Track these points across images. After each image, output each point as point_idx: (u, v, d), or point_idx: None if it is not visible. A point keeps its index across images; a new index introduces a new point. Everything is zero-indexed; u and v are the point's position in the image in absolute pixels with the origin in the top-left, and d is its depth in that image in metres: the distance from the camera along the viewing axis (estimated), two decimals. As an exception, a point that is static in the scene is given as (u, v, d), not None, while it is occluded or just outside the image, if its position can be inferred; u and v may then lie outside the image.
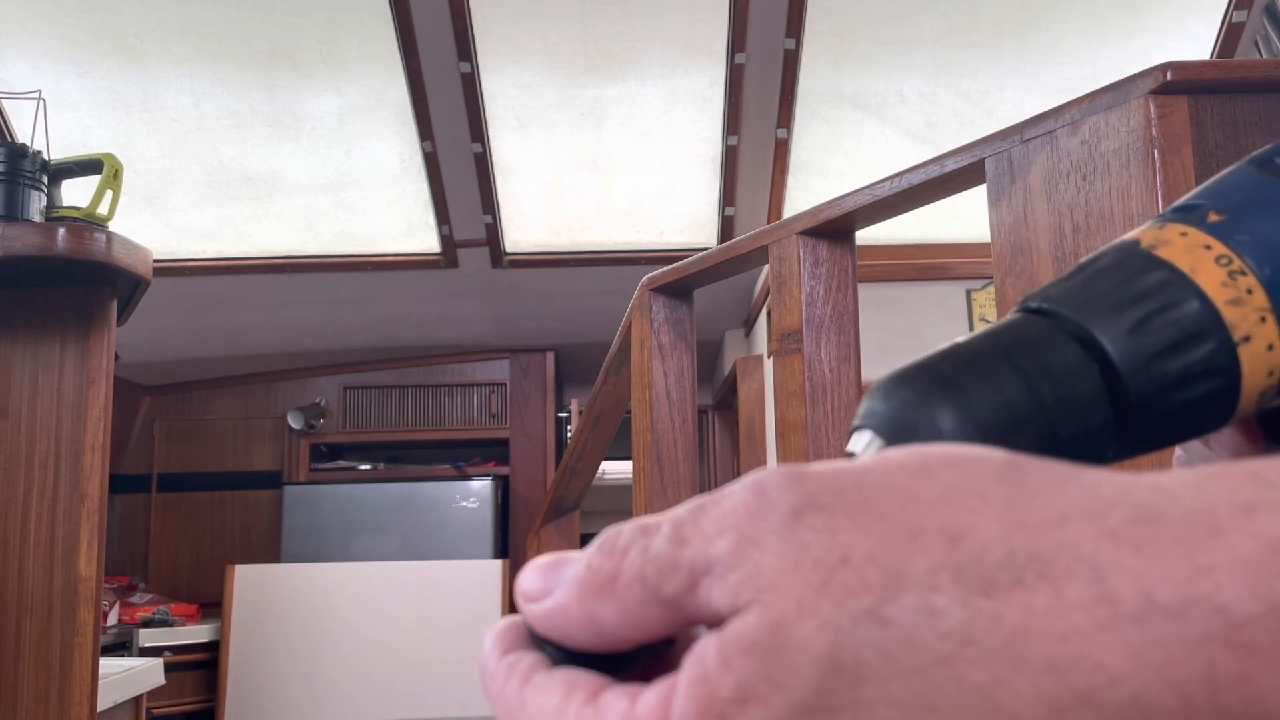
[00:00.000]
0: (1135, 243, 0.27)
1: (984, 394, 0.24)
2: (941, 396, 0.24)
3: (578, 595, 0.20)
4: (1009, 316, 0.27)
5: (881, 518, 0.18)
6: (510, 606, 3.95)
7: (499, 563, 4.00)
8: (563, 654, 0.21)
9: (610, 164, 3.35)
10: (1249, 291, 0.25)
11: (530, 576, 0.22)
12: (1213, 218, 0.27)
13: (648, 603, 0.19)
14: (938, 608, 0.17)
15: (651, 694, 0.19)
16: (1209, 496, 0.17)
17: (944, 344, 0.26)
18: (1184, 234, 0.26)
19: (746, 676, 0.18)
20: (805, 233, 1.24)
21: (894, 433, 0.24)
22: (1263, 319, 0.25)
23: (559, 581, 0.21)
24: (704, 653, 0.18)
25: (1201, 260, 0.26)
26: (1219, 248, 0.26)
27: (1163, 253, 0.26)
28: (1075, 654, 0.17)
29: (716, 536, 0.19)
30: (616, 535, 0.20)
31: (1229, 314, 0.25)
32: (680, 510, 0.20)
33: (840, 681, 0.17)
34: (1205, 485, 0.18)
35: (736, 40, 2.89)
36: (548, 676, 0.21)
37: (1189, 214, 0.27)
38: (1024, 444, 0.24)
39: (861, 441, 0.25)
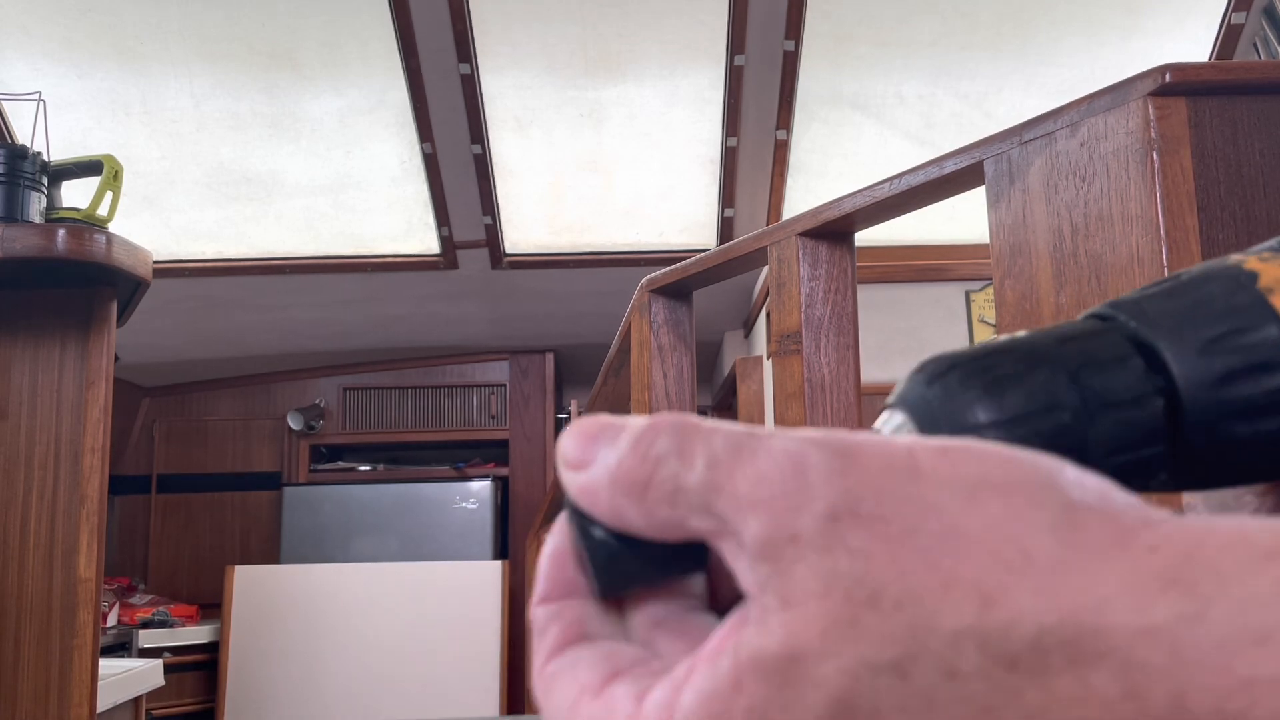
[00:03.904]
0: (1243, 271, 0.25)
1: (1027, 394, 0.23)
2: (983, 389, 0.23)
3: (608, 487, 0.20)
4: (1074, 320, 0.25)
5: (916, 554, 0.17)
6: (510, 608, 3.95)
7: (498, 564, 4.00)
8: (605, 530, 0.21)
9: (610, 165, 3.35)
10: None
11: (570, 443, 0.21)
12: None
13: (672, 524, 0.20)
14: (959, 672, 0.17)
15: (658, 695, 0.19)
16: (1261, 589, 0.16)
17: (1001, 337, 0.24)
18: None
19: (758, 702, 0.18)
20: (804, 234, 1.25)
21: (927, 420, 0.23)
22: None
23: (595, 457, 0.21)
24: (717, 663, 0.18)
25: None
26: None
27: (1277, 301, 0.24)
28: None
29: (750, 509, 0.18)
30: (653, 435, 0.20)
31: None
32: (718, 442, 0.19)
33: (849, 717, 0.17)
34: (1261, 569, 0.16)
35: (736, 42, 2.90)
36: (566, 664, 0.21)
37: None
38: (1063, 453, 0.22)
39: (892, 423, 0.24)
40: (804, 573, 0.18)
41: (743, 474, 0.19)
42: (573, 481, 0.21)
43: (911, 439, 0.19)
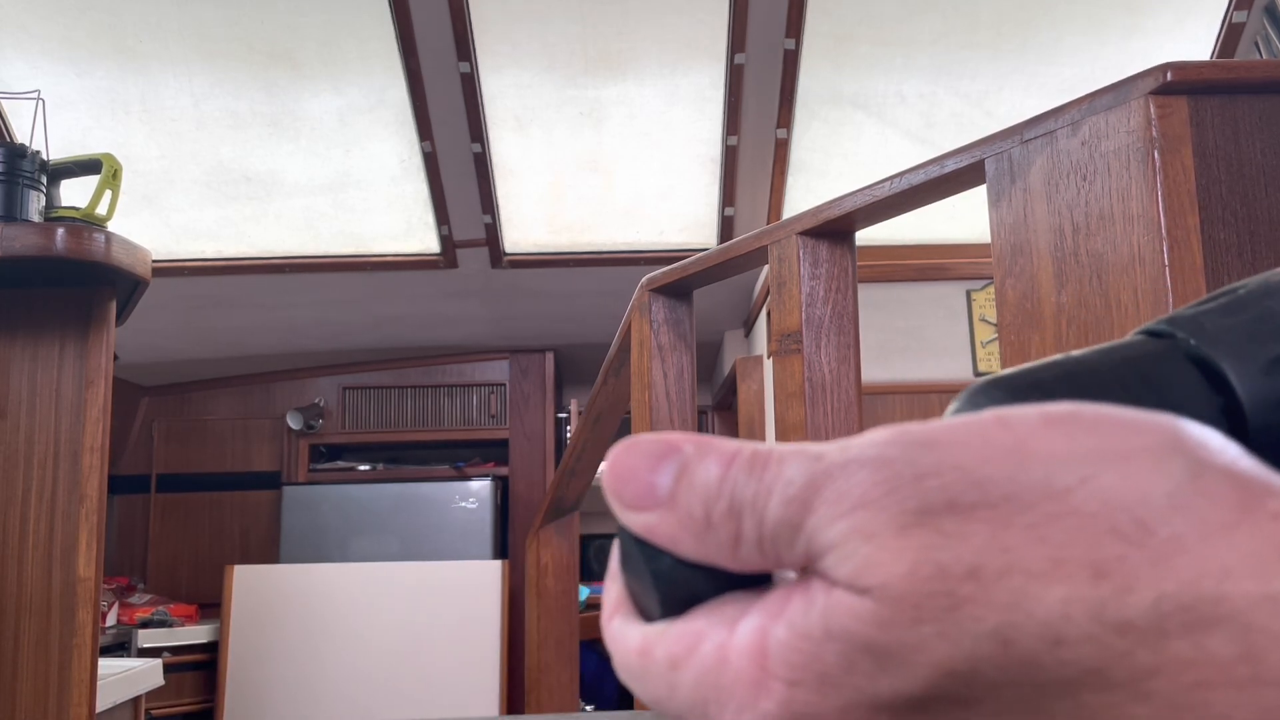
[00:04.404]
0: None
1: None
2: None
3: (689, 539, 0.20)
4: (1134, 335, 0.24)
5: (1025, 532, 0.17)
6: (509, 608, 3.95)
7: (498, 563, 4.00)
8: (673, 559, 0.20)
9: (610, 164, 3.35)
10: None
11: (625, 481, 0.20)
12: None
13: (759, 561, 0.19)
14: (1067, 638, 0.17)
15: (752, 621, 0.19)
16: None
17: (1055, 355, 0.23)
18: None
19: (852, 654, 0.18)
20: (805, 233, 1.24)
21: None
22: None
23: (659, 497, 0.20)
24: (807, 615, 0.18)
25: None
26: None
27: None
28: (1202, 702, 0.16)
29: (832, 521, 0.18)
30: (730, 484, 0.19)
31: None
32: (794, 471, 0.19)
33: (951, 682, 0.17)
34: None
35: (736, 40, 2.89)
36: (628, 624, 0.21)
37: None
38: None
39: None
40: (891, 560, 0.17)
41: (822, 495, 0.18)
42: (636, 522, 0.20)
43: (1006, 410, 0.19)
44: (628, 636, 0.21)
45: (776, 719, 0.18)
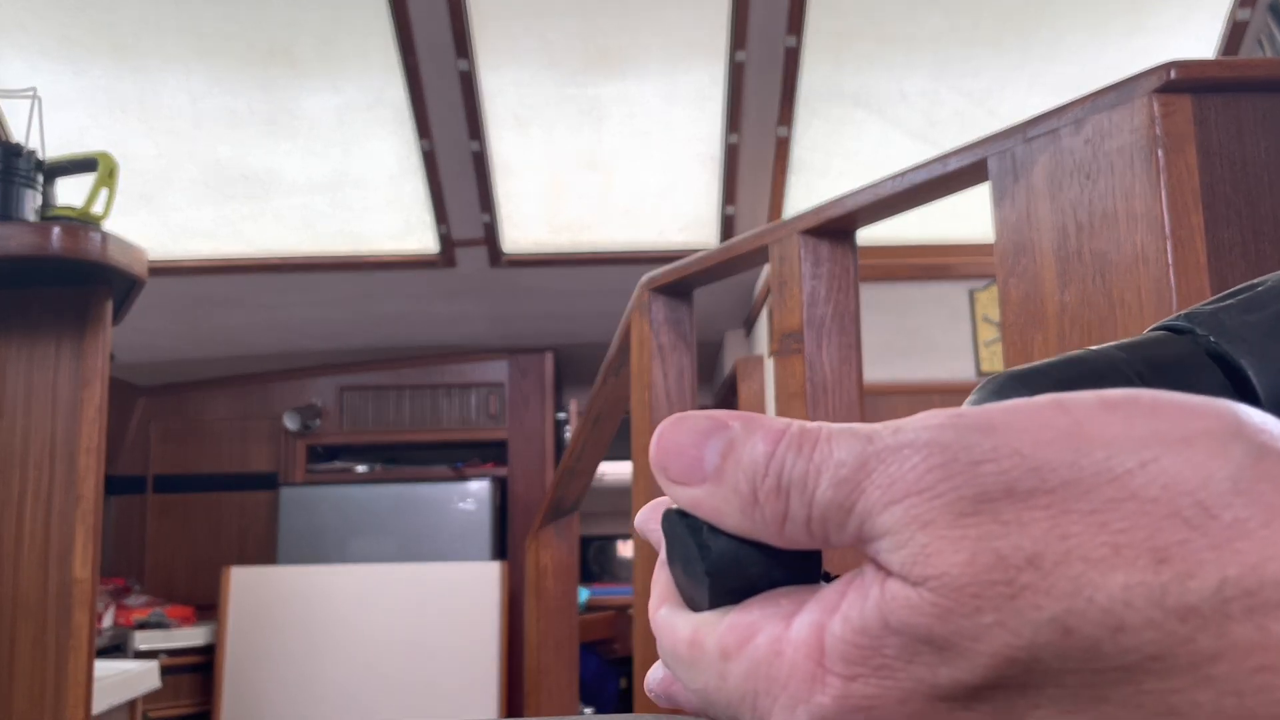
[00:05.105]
0: None
1: None
2: None
3: (736, 514, 0.20)
4: (1151, 331, 0.24)
5: (1085, 519, 0.17)
6: (508, 610, 3.94)
7: (497, 564, 3.99)
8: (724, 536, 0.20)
9: (610, 162, 3.34)
10: None
11: (672, 456, 0.20)
12: None
13: (807, 540, 0.19)
14: (1128, 625, 0.16)
15: (809, 615, 0.19)
16: None
17: (1080, 350, 0.23)
18: None
19: (912, 646, 0.18)
20: (806, 232, 1.24)
21: None
22: None
23: (705, 472, 0.20)
24: (866, 610, 0.18)
25: None
26: None
27: None
28: (1265, 685, 0.16)
29: (886, 507, 0.18)
30: (780, 461, 0.19)
31: None
32: (844, 452, 0.19)
33: (1012, 670, 0.17)
34: None
35: (737, 38, 2.89)
36: (677, 613, 0.21)
37: None
38: None
39: None
40: (948, 549, 0.17)
41: (874, 480, 0.18)
42: (682, 496, 0.20)
43: (1064, 395, 0.18)
44: (677, 626, 0.21)
45: (831, 712, 0.18)
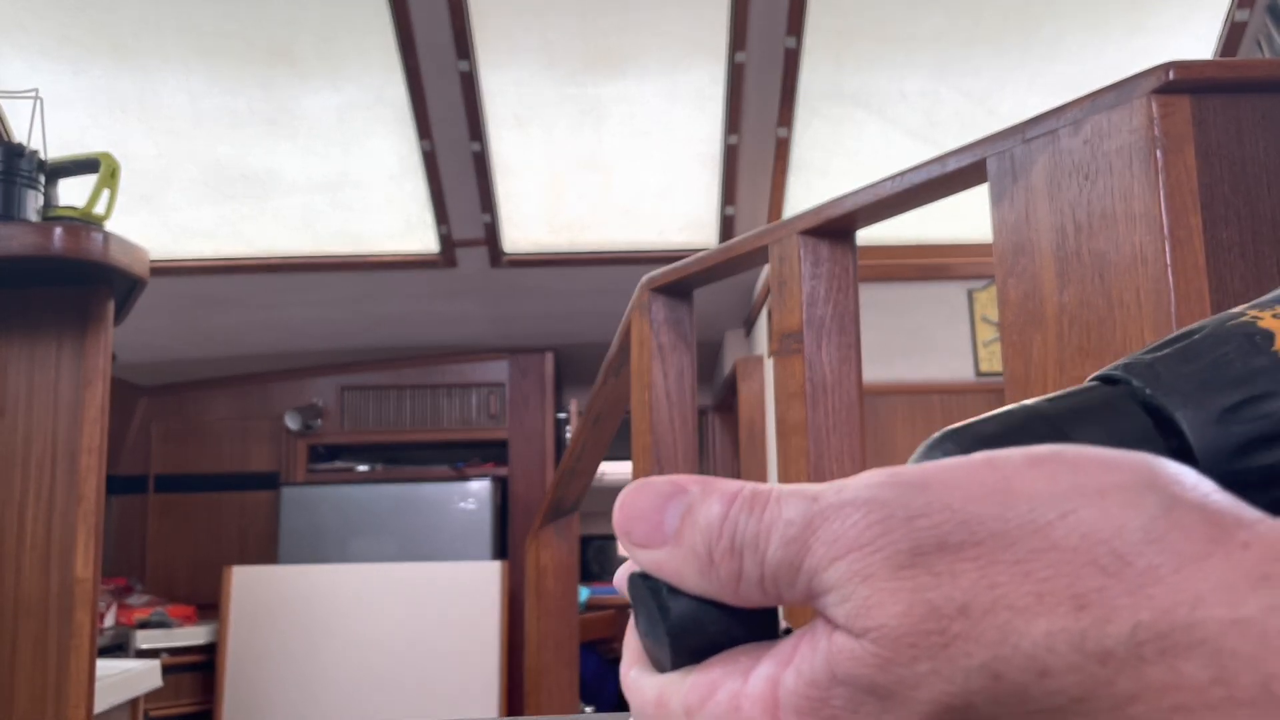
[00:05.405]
0: (1258, 330, 0.24)
1: None
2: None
3: (694, 574, 0.21)
4: (1089, 381, 0.24)
5: (1011, 569, 0.18)
6: (509, 609, 3.94)
7: (497, 564, 3.99)
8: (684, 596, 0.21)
9: (610, 163, 3.34)
10: None
11: (634, 521, 0.22)
12: None
13: (761, 598, 0.20)
14: (1052, 669, 0.17)
15: (765, 669, 0.20)
16: None
17: (1012, 405, 0.24)
18: None
19: (857, 696, 0.19)
20: (806, 232, 1.24)
21: None
22: None
23: (666, 535, 0.21)
24: (815, 662, 0.19)
25: None
26: None
27: None
28: None
29: (830, 563, 0.19)
30: (724, 523, 0.20)
31: None
32: (792, 511, 0.20)
33: (950, 715, 0.18)
34: None
35: (737, 38, 2.89)
36: (645, 677, 0.22)
37: None
38: None
39: None
40: (888, 601, 0.18)
41: (819, 537, 0.19)
42: (645, 559, 0.21)
43: (993, 453, 0.19)
44: (644, 687, 0.22)
45: None
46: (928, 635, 0.18)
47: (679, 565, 0.21)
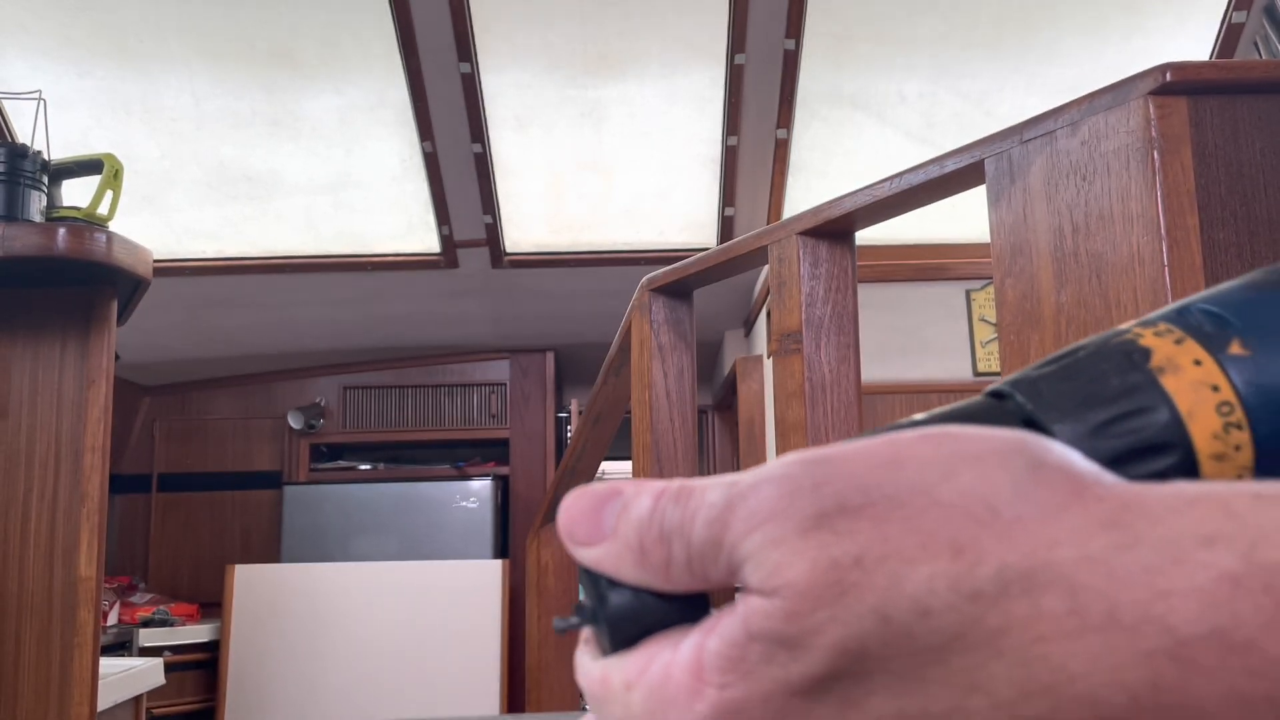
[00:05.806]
0: (1137, 348, 0.24)
1: None
2: None
3: (630, 565, 0.23)
4: (974, 399, 0.26)
5: (900, 524, 0.20)
6: (510, 608, 3.95)
7: (499, 563, 4.00)
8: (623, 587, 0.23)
9: (610, 164, 3.35)
10: (1237, 448, 0.23)
11: (576, 523, 0.24)
12: (1235, 349, 0.24)
13: (690, 580, 0.22)
14: (933, 609, 0.19)
15: (691, 639, 0.22)
16: (1182, 525, 0.19)
17: (901, 419, 0.25)
18: (1198, 362, 0.24)
19: (769, 649, 0.20)
20: (805, 233, 1.24)
21: None
22: (1239, 476, 0.23)
23: (604, 534, 0.23)
24: (732, 625, 0.21)
25: (1203, 404, 0.23)
26: (1226, 391, 0.23)
27: (1168, 381, 0.24)
28: (1043, 654, 0.19)
29: (746, 535, 0.21)
30: (654, 514, 0.22)
31: (1208, 469, 0.23)
32: (714, 495, 0.22)
33: (847, 659, 0.20)
34: (1184, 511, 0.19)
35: (736, 41, 2.89)
36: (591, 660, 0.24)
37: (1212, 337, 0.24)
38: None
39: None
40: (792, 559, 0.20)
41: (737, 514, 0.21)
42: (586, 557, 0.23)
43: (895, 434, 0.22)
44: (590, 669, 0.24)
45: (708, 719, 0.21)
46: (829, 586, 0.20)
47: (616, 559, 0.23)
